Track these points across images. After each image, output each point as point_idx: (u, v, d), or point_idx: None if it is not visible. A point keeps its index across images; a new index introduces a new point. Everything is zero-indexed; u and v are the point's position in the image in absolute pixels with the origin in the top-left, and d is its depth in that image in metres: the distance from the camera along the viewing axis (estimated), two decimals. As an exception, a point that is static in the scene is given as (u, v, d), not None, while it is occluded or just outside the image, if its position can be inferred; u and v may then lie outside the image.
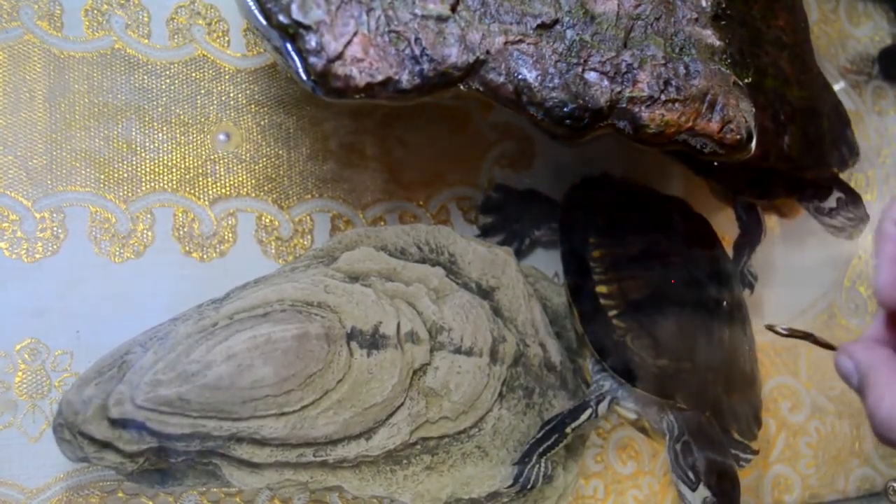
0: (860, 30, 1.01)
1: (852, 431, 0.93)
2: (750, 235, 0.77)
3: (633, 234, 0.74)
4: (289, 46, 0.52)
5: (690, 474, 0.63)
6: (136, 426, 0.54)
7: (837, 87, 0.96)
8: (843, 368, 0.52)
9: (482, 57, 0.54)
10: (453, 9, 0.54)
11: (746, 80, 0.63)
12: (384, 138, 0.76)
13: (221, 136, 0.69)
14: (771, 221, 0.92)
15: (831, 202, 0.74)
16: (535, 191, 0.80)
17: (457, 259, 0.70)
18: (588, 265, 0.72)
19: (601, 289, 0.70)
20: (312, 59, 0.51)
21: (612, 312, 0.69)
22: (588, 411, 0.67)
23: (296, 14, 0.51)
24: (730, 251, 0.80)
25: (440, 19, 0.54)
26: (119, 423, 0.53)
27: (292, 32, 0.51)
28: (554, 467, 0.69)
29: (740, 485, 0.65)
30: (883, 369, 0.47)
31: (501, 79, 0.55)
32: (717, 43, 0.62)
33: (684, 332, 0.69)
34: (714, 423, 0.67)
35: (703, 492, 0.62)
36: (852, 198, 0.76)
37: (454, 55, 0.54)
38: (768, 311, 0.90)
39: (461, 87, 0.55)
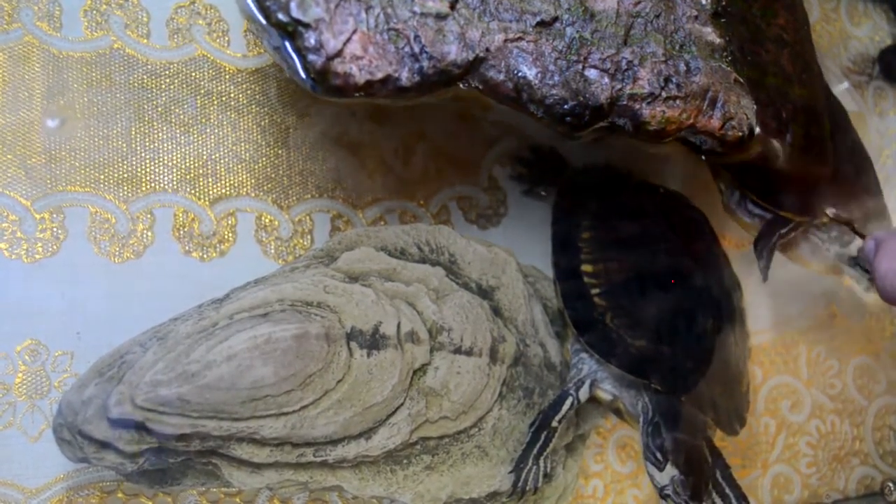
0: (860, 30, 1.01)
1: (852, 431, 0.92)
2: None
3: (625, 220, 0.74)
4: (288, 44, 0.52)
5: (658, 455, 0.63)
6: (135, 426, 0.53)
7: (841, 87, 0.96)
8: (867, 247, 0.66)
9: (482, 54, 0.54)
10: (452, 6, 0.54)
11: (747, 78, 0.63)
12: (384, 138, 0.75)
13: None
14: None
15: (852, 250, 0.76)
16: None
17: (457, 259, 0.69)
18: (576, 245, 0.72)
19: (586, 268, 0.70)
20: (311, 57, 0.51)
21: (595, 291, 0.69)
22: (569, 400, 0.67)
23: (294, 12, 0.51)
24: (729, 249, 0.80)
25: (439, 17, 0.54)
26: (119, 423, 0.53)
27: (291, 30, 0.51)
28: (554, 467, 0.69)
29: (709, 464, 0.64)
30: (893, 240, 0.63)
31: (501, 76, 0.55)
32: (718, 40, 0.62)
33: (666, 316, 0.68)
34: (689, 406, 0.66)
35: (670, 471, 0.62)
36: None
37: (454, 53, 0.54)
38: (768, 311, 0.90)
39: (461, 85, 0.55)
